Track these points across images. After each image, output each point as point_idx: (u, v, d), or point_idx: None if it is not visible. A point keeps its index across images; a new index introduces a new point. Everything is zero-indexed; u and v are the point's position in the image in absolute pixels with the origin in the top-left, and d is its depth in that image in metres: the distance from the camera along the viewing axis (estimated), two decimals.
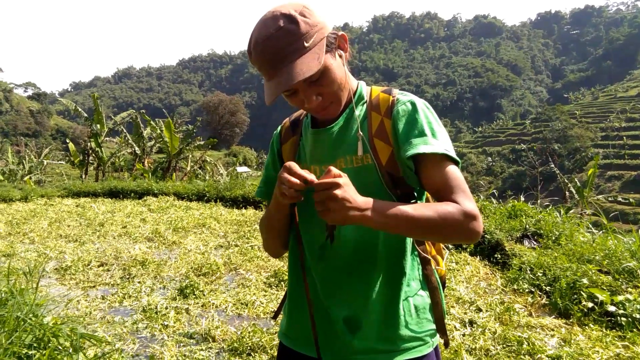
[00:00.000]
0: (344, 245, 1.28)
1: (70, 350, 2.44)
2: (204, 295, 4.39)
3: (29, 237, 7.11)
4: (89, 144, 20.68)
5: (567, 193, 14.70)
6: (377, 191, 1.22)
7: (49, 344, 2.39)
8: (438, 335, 1.33)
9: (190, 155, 22.27)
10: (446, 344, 1.35)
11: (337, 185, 1.03)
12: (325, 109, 1.25)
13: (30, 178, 22.35)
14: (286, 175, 1.09)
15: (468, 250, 5.57)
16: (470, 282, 4.63)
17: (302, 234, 1.38)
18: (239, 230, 7.28)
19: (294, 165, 1.10)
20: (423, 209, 1.10)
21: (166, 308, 4.04)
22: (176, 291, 4.46)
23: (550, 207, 7.44)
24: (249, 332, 3.44)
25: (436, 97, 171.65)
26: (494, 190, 13.12)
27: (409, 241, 1.29)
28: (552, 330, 3.54)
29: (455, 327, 3.55)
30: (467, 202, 1.13)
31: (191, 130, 22.34)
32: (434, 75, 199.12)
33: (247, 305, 4.15)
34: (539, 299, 4.10)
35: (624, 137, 65.69)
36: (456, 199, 1.13)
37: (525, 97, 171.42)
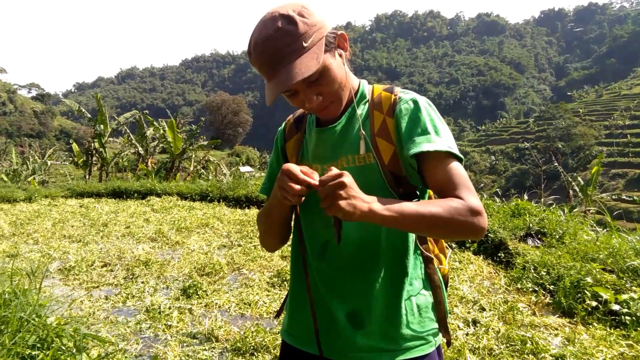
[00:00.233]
0: (346, 244, 1.28)
1: (74, 351, 2.44)
2: (207, 295, 4.39)
3: (32, 237, 7.13)
4: (92, 144, 20.72)
5: (570, 191, 14.64)
6: (379, 190, 1.22)
7: (53, 345, 2.40)
8: (440, 335, 1.33)
9: (194, 155, 22.30)
10: (448, 343, 1.35)
11: (342, 179, 1.03)
12: (326, 109, 1.25)
13: (34, 179, 22.40)
14: (288, 181, 1.08)
15: (471, 249, 5.56)
16: (474, 281, 4.62)
17: (304, 232, 1.38)
18: (242, 230, 7.28)
19: (293, 168, 1.09)
20: (428, 204, 1.11)
21: (169, 308, 4.04)
22: (179, 291, 4.46)
23: (554, 206, 7.43)
24: (252, 332, 3.44)
25: (439, 96, 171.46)
26: (497, 189, 13.10)
27: (412, 240, 1.29)
28: (556, 329, 3.53)
29: (458, 327, 3.54)
30: (471, 197, 1.12)
31: (195, 130, 22.37)
32: (436, 74, 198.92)
33: (250, 305, 4.15)
34: (542, 298, 4.09)
35: (628, 135, 65.45)
36: (460, 194, 1.13)
37: (528, 96, 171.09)
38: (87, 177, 20.98)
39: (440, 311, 1.31)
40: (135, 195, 11.69)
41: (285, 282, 4.66)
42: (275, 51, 1.12)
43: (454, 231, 1.12)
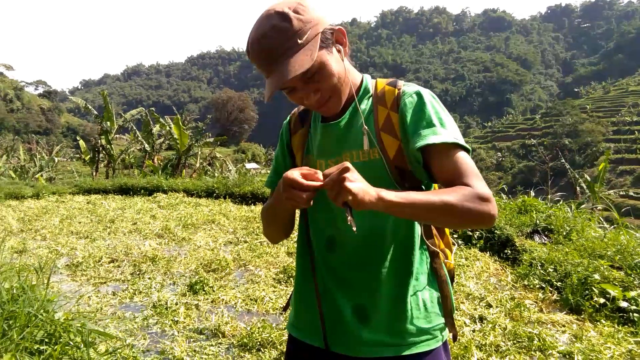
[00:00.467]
0: (351, 238, 1.28)
1: (82, 346, 2.45)
2: (213, 291, 4.40)
3: (40, 233, 7.17)
4: (99, 141, 20.79)
5: (577, 188, 14.55)
6: (384, 185, 1.21)
7: (60, 340, 2.41)
8: (447, 330, 1.33)
9: (200, 152, 22.34)
10: (454, 338, 1.35)
11: (345, 165, 1.02)
12: (325, 105, 1.24)
13: (41, 175, 22.54)
14: (294, 191, 1.07)
15: (478, 246, 5.54)
16: (480, 278, 4.61)
17: (310, 226, 1.38)
18: (248, 226, 7.29)
19: (296, 177, 1.07)
20: (437, 192, 1.11)
21: (176, 304, 4.06)
22: (186, 287, 4.48)
23: (561, 202, 7.38)
24: (259, 328, 3.45)
25: (445, 92, 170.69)
26: (504, 186, 13.03)
27: (417, 235, 1.29)
28: (563, 326, 3.52)
29: (465, 323, 3.53)
30: (480, 185, 1.12)
31: (201, 127, 22.42)
32: (442, 70, 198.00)
33: (256, 301, 4.16)
34: (549, 294, 4.07)
35: (636, 132, 64.92)
36: (469, 182, 1.12)
37: (535, 92, 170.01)
38: (94, 173, 21.05)
39: (446, 306, 1.32)
40: (142, 191, 11.74)
41: (291, 278, 4.67)
42: (271, 49, 1.13)
43: (464, 218, 1.10)
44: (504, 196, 8.90)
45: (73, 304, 3.85)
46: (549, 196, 9.84)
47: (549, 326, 3.52)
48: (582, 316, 3.66)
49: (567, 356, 3.01)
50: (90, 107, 20.74)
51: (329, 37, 1.19)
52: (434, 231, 1.34)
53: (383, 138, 1.24)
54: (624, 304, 3.61)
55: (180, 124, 19.38)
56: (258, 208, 8.99)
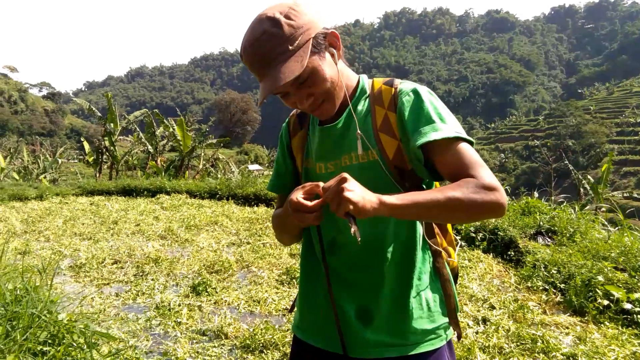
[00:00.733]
0: (351, 242, 1.28)
1: (85, 347, 2.46)
2: (216, 292, 4.41)
3: (44, 235, 7.19)
4: (102, 142, 20.86)
5: (581, 190, 14.53)
6: (384, 186, 1.22)
7: (64, 341, 2.42)
8: (451, 328, 1.33)
9: (203, 154, 22.37)
10: (459, 337, 1.35)
11: (343, 175, 1.03)
12: (319, 109, 1.24)
13: (45, 177, 22.63)
14: (303, 215, 1.08)
15: (481, 247, 5.53)
16: (484, 280, 4.60)
17: (311, 230, 1.39)
18: (251, 227, 7.30)
19: (301, 201, 1.08)
20: (440, 189, 1.09)
21: (179, 305, 4.06)
22: (189, 288, 4.48)
23: (564, 204, 7.36)
24: (261, 329, 3.44)
25: (448, 94, 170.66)
26: (507, 187, 13.03)
27: (419, 235, 1.29)
28: (567, 328, 3.50)
29: (468, 325, 3.52)
30: (485, 174, 1.10)
31: (204, 129, 22.46)
32: (445, 71, 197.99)
33: (259, 302, 4.16)
34: (553, 296, 4.05)
35: None
36: (473, 173, 1.10)
37: (538, 93, 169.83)
38: (97, 175, 21.12)
39: (449, 304, 1.32)
40: (145, 193, 11.75)
41: (294, 280, 4.67)
42: (262, 55, 1.13)
43: (472, 211, 1.08)
44: (507, 197, 8.87)
45: (76, 305, 3.84)
46: (553, 197, 9.81)
47: (552, 328, 3.50)
48: (586, 318, 3.65)
49: (571, 358, 3.00)
50: (93, 108, 20.83)
51: (322, 42, 1.18)
52: (436, 230, 1.34)
53: (382, 138, 1.24)
54: (628, 306, 3.59)
55: (184, 125, 19.42)
56: (261, 209, 8.99)
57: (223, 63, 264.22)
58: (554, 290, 4.15)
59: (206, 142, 21.70)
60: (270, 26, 1.12)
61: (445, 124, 1.17)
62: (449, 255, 1.36)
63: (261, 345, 3.27)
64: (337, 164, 1.30)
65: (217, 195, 10.68)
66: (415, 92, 1.24)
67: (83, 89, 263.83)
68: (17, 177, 20.98)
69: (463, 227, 5.92)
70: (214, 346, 3.32)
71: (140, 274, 5.07)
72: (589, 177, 14.69)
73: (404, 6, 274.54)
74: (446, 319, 1.31)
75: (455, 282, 1.39)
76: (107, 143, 20.48)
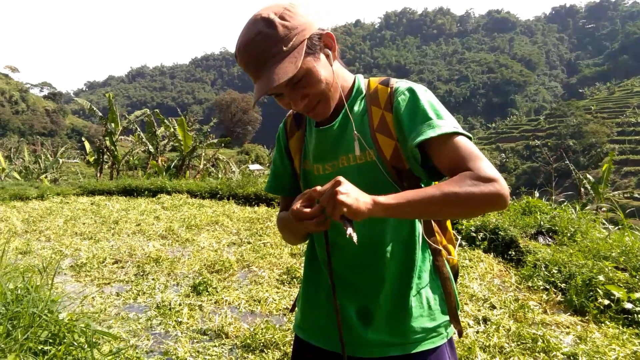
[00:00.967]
0: (350, 243, 1.28)
1: (85, 346, 2.46)
2: (217, 292, 4.41)
3: (45, 234, 7.20)
4: (103, 142, 20.86)
5: (582, 189, 14.52)
6: (382, 186, 1.22)
7: (64, 340, 2.42)
8: (452, 326, 1.33)
9: (203, 154, 22.37)
10: (459, 334, 1.35)
11: (337, 179, 1.03)
12: (313, 110, 1.24)
13: (46, 177, 22.62)
14: (308, 223, 1.08)
15: (482, 247, 5.53)
16: (484, 279, 4.60)
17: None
18: (252, 227, 7.30)
19: (300, 209, 1.08)
20: (436, 185, 1.08)
21: (180, 305, 4.06)
22: (189, 288, 4.49)
23: (565, 204, 7.36)
24: (262, 329, 3.45)
25: (449, 94, 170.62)
26: (508, 187, 12.97)
27: (418, 233, 1.29)
28: (568, 327, 3.50)
29: (469, 324, 3.52)
30: (482, 166, 1.08)
31: (206, 130, 22.47)
32: (446, 71, 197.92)
33: (259, 302, 4.16)
34: (554, 296, 4.05)
35: None
36: (470, 166, 1.09)
37: (539, 93, 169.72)
38: (98, 175, 21.13)
39: (450, 302, 1.32)
40: (146, 193, 11.76)
41: (294, 280, 4.67)
42: (256, 55, 1.13)
43: (470, 205, 1.06)
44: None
45: (77, 304, 3.85)
46: (553, 197, 9.80)
47: (553, 327, 3.50)
48: (587, 317, 3.65)
49: (572, 358, 3.00)
50: (94, 108, 20.82)
51: (317, 43, 1.18)
52: (436, 228, 1.34)
53: (378, 139, 1.24)
54: (628, 306, 3.59)
55: (185, 125, 19.42)
56: (262, 209, 8.99)
57: (224, 63, 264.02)
58: (555, 290, 4.15)
59: (207, 142, 21.70)
60: (265, 27, 1.12)
61: (442, 120, 1.16)
62: (449, 253, 1.36)
63: (262, 344, 3.27)
64: (335, 165, 1.30)
65: (218, 195, 10.69)
66: (411, 91, 1.24)
67: (84, 89, 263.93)
68: (18, 177, 20.97)
69: (464, 227, 5.92)
70: (215, 346, 3.33)
71: (141, 273, 5.08)
72: (589, 176, 14.67)
73: (404, 6, 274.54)
74: (447, 317, 1.31)
75: (456, 280, 1.39)
76: (108, 143, 20.48)
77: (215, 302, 4.17)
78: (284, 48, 1.12)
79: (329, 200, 1.02)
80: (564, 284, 4.18)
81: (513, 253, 5.21)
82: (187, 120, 22.28)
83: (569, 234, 5.37)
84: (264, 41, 1.12)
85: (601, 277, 3.90)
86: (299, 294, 1.50)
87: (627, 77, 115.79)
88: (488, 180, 1.05)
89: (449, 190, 1.05)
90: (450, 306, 1.31)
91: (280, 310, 4.00)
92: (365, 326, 1.28)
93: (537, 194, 9.09)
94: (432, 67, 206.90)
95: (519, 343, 3.21)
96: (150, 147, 21.45)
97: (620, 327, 3.42)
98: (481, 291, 4.21)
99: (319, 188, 1.07)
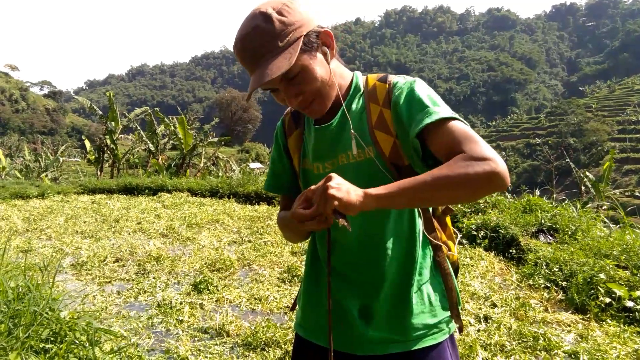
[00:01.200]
0: (349, 241, 1.29)
1: (87, 345, 2.46)
2: (217, 290, 4.41)
3: (45, 233, 7.20)
4: (104, 141, 20.85)
5: (583, 187, 14.51)
6: (381, 183, 1.20)
7: (66, 338, 2.42)
8: (453, 322, 1.33)
9: (204, 152, 22.37)
10: (460, 330, 1.35)
11: (329, 177, 1.04)
12: (309, 107, 1.24)
13: (46, 175, 22.63)
14: (311, 223, 1.08)
15: (482, 245, 5.53)
16: (485, 278, 4.59)
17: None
18: (252, 226, 7.30)
19: (300, 211, 1.09)
20: (428, 172, 1.06)
21: (181, 303, 4.06)
22: (190, 286, 4.49)
23: (566, 202, 7.35)
24: (263, 327, 3.45)
25: (449, 92, 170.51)
26: (509, 185, 12.99)
27: (418, 229, 1.29)
28: (569, 325, 3.50)
29: (470, 323, 3.52)
30: (474, 146, 1.05)
31: (207, 129, 22.47)
32: (446, 69, 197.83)
33: (260, 300, 4.16)
34: (555, 294, 4.05)
35: None
36: (463, 148, 1.06)
37: (540, 91, 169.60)
38: (98, 173, 21.13)
39: (451, 298, 1.32)
40: (147, 191, 11.76)
41: (295, 278, 4.67)
42: (253, 50, 1.13)
43: (464, 187, 1.02)
44: (509, 195, 8.86)
45: (78, 303, 3.86)
46: (554, 195, 9.81)
47: (554, 326, 3.50)
48: (588, 316, 3.65)
49: (573, 356, 3.00)
50: (95, 107, 20.81)
51: (314, 40, 1.18)
52: (436, 224, 1.33)
53: (377, 136, 1.23)
54: (629, 304, 3.58)
55: (185, 123, 19.40)
56: (262, 208, 9.00)
57: (224, 61, 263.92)
58: (556, 288, 4.15)
59: (207, 141, 21.69)
60: (262, 21, 1.12)
61: (438, 107, 1.15)
62: (449, 249, 1.36)
63: (263, 343, 3.27)
64: (334, 164, 1.30)
65: (219, 194, 10.69)
66: (408, 84, 1.24)
67: (84, 88, 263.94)
68: (18, 176, 20.97)
69: (464, 225, 5.92)
70: (216, 344, 3.33)
71: (142, 272, 5.08)
72: (590, 175, 14.66)
73: (404, 4, 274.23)
74: (448, 313, 1.31)
75: (456, 275, 1.39)
76: (108, 141, 20.47)
77: (216, 301, 4.17)
78: (280, 44, 1.12)
79: (321, 196, 1.03)
80: (565, 282, 4.18)
81: (514, 251, 5.21)
82: (187, 118, 22.26)
83: (569, 232, 5.37)
84: (260, 36, 1.12)
85: (602, 275, 3.90)
86: (300, 293, 1.50)
87: (628, 75, 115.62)
88: (482, 159, 1.02)
89: (440, 174, 1.02)
90: (451, 302, 1.31)
91: (281, 308, 4.00)
92: (367, 324, 1.28)
93: (537, 192, 9.09)
94: (432, 65, 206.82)
95: (520, 341, 3.21)
96: (150, 145, 21.44)
97: (622, 326, 3.41)
98: (482, 289, 4.21)
99: (313, 187, 1.08)
